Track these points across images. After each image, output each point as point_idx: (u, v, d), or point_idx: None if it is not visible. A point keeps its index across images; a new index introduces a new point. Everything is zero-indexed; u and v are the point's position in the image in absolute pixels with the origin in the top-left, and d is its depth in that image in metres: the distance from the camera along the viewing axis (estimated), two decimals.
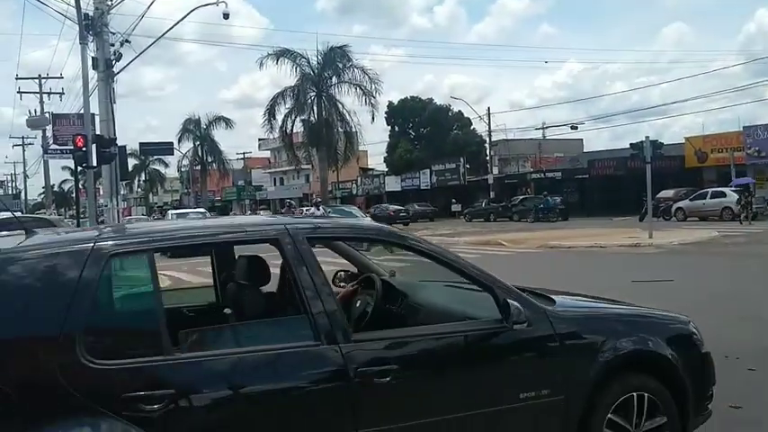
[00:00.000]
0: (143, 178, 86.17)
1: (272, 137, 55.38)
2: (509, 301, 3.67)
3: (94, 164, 16.16)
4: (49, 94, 45.14)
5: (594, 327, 4.05)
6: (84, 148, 15.24)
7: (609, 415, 3.85)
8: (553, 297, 4.22)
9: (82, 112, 20.31)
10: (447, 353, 3.66)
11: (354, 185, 71.25)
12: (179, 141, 62.80)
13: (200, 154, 67.27)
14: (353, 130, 46.18)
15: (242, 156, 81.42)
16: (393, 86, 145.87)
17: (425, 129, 67.50)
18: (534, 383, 3.72)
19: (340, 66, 44.61)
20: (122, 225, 4.11)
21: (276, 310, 4.08)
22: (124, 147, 22.58)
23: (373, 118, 46.71)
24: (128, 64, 21.01)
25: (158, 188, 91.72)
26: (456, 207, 54.82)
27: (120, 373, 3.00)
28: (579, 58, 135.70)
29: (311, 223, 4.07)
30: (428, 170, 60.35)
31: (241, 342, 3.57)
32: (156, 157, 67.79)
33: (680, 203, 35.41)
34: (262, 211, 62.53)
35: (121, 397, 2.93)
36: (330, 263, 4.63)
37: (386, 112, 65.04)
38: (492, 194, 51.73)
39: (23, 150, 60.11)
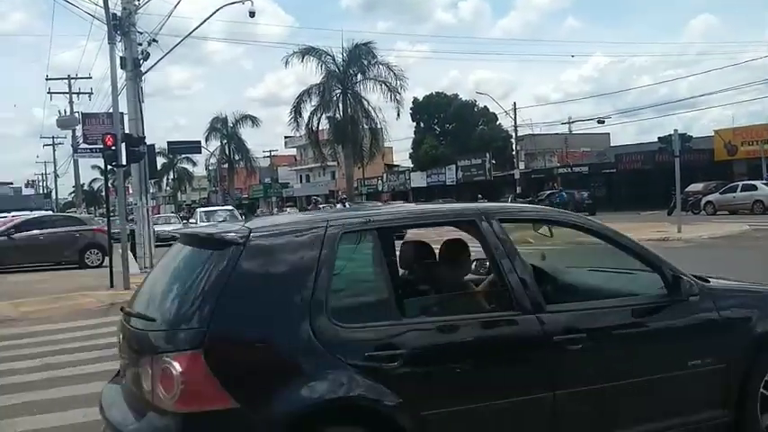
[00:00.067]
0: (171, 177, 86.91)
1: (297, 134, 55.66)
2: (681, 275, 4.15)
3: (124, 162, 16.30)
4: (78, 94, 45.97)
5: (747, 303, 4.49)
6: (113, 147, 15.37)
7: (762, 383, 4.23)
8: (706, 276, 4.59)
9: (111, 111, 20.49)
10: (627, 323, 4.06)
11: (380, 182, 71.25)
12: (206, 140, 63.41)
13: (227, 152, 67.73)
14: (379, 126, 46.28)
15: (268, 153, 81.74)
16: (418, 82, 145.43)
17: (451, 124, 67.33)
18: (700, 352, 4.13)
19: (365, 63, 44.69)
20: (342, 209, 4.53)
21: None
22: (153, 145, 22.82)
23: (398, 114, 46.83)
24: (155, 63, 21.20)
25: (186, 186, 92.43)
26: (482, 202, 54.55)
27: (362, 335, 3.48)
28: (605, 51, 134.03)
29: (501, 207, 4.55)
30: (454, 166, 60.19)
31: (454, 310, 4.01)
32: (183, 155, 68.30)
33: (709, 197, 34.96)
34: (288, 209, 62.74)
35: (364, 355, 3.39)
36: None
37: (411, 109, 64.96)
38: (518, 190, 51.46)
39: (54, 150, 61.09)
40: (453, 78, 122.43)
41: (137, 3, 20.13)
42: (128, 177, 20.29)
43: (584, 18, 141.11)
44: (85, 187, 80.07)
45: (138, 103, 20.43)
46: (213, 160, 72.12)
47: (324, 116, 46.59)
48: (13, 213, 28.11)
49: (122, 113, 19.39)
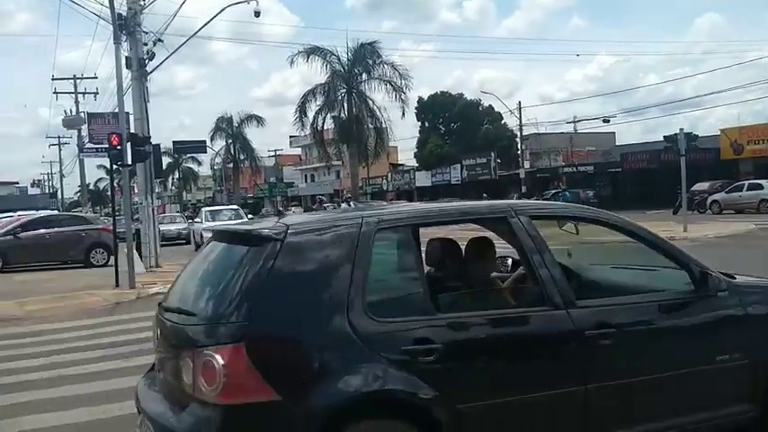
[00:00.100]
0: (176, 176, 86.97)
1: (302, 134, 55.69)
2: (709, 271, 4.19)
3: (129, 162, 16.35)
4: (84, 93, 46.14)
5: None
6: (119, 147, 15.41)
7: None
8: (732, 273, 4.62)
9: (116, 111, 20.57)
10: (656, 318, 4.13)
11: (385, 181, 71.26)
12: (211, 139, 63.41)
13: (232, 152, 67.75)
14: (383, 125, 46.15)
15: (273, 153, 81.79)
16: (423, 82, 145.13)
17: (456, 124, 67.24)
18: (727, 347, 4.16)
19: (370, 62, 44.63)
20: (375, 206, 4.55)
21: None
22: (158, 145, 22.94)
23: (403, 114, 46.67)
24: (161, 63, 21.35)
25: (192, 186, 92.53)
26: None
27: (398, 329, 3.52)
28: (610, 50, 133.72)
29: (531, 204, 4.62)
30: (459, 165, 60.12)
31: (487, 305, 4.07)
32: (189, 155, 68.35)
33: (715, 196, 34.85)
34: (293, 208, 62.75)
35: (400, 349, 3.44)
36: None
37: (416, 108, 64.87)
38: (524, 189, 51.38)
39: (59, 150, 61.18)
40: (458, 78, 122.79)
41: (142, 3, 20.20)
42: (133, 177, 20.37)
43: (590, 17, 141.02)
44: (91, 187, 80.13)
45: (143, 102, 20.50)
46: (218, 160, 72.22)
47: (329, 116, 46.55)
48: (19, 213, 28.16)
49: (128, 113, 19.45)
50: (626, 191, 46.69)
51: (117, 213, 17.81)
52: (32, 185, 73.99)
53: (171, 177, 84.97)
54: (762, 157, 39.03)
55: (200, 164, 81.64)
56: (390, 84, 44.34)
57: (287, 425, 3.29)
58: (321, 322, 3.45)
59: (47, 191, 73.22)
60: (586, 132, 61.03)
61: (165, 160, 50.30)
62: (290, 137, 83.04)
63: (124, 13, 19.31)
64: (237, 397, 3.27)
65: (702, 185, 36.61)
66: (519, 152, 56.95)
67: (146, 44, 20.69)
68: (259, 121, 65.86)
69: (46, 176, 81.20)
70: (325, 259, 3.59)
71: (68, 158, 62.65)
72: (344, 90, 45.17)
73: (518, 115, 54.80)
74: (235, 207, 35.20)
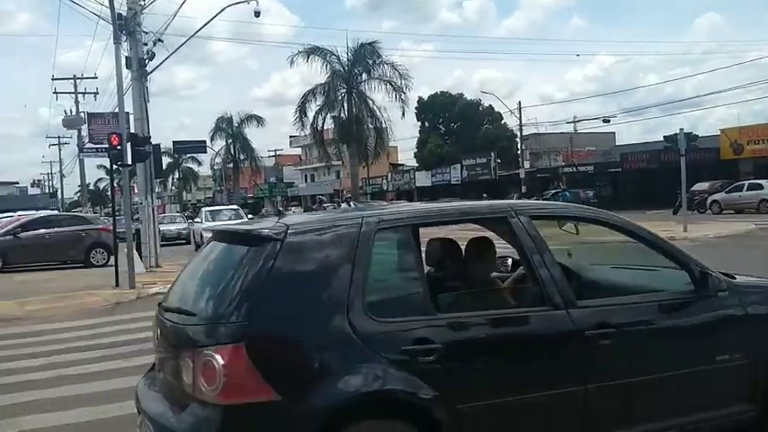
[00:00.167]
0: (177, 176, 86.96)
1: (302, 134, 55.66)
2: (709, 271, 4.19)
3: (129, 162, 16.35)
4: (84, 93, 46.15)
5: None
6: (119, 147, 15.41)
7: None
8: (732, 273, 4.62)
9: (116, 111, 20.57)
10: (656, 318, 4.13)
11: (385, 181, 71.26)
12: (212, 140, 63.42)
13: (232, 152, 67.75)
14: (383, 125, 46.12)
15: (273, 153, 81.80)
16: (423, 82, 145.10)
17: (456, 124, 67.23)
18: (727, 347, 4.16)
19: (370, 62, 44.62)
20: (375, 206, 4.51)
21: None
22: (158, 145, 22.92)
23: (403, 114, 46.65)
24: (161, 63, 21.35)
25: (192, 186, 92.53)
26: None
27: (398, 329, 3.52)
28: (610, 50, 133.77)
29: (531, 204, 4.61)
30: (459, 165, 60.12)
31: (487, 306, 4.07)
32: (189, 155, 68.35)
33: (715, 196, 34.84)
34: (293, 208, 62.73)
35: (400, 349, 3.44)
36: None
37: (416, 108, 64.86)
38: (524, 189, 51.38)
39: (59, 150, 61.20)
40: (458, 78, 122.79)
41: (142, 3, 20.20)
42: (133, 177, 20.37)
43: (590, 17, 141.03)
44: (91, 187, 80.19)
45: (143, 102, 20.50)
46: (218, 160, 72.23)
47: (329, 116, 46.54)
48: (19, 213, 28.16)
49: (128, 113, 19.45)
50: (626, 191, 46.69)
51: (117, 213, 17.81)
52: (32, 185, 74.06)
53: (171, 177, 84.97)
54: (762, 157, 39.02)
55: (200, 164, 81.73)
56: (390, 84, 44.38)
57: (287, 425, 3.29)
58: (321, 322, 3.45)
59: (47, 191, 73.23)
60: (586, 132, 61.05)
61: (165, 160, 50.32)
62: (290, 137, 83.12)
63: (124, 13, 19.31)
64: (237, 397, 3.27)
65: (702, 185, 36.61)
66: (519, 152, 56.95)
67: (146, 44, 20.70)
68: (259, 121, 65.90)
69: (46, 176, 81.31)
70: (326, 259, 3.59)
71: (68, 158, 62.72)
72: (344, 90, 45.15)
73: (518, 115, 54.87)
74: (235, 207, 35.20)
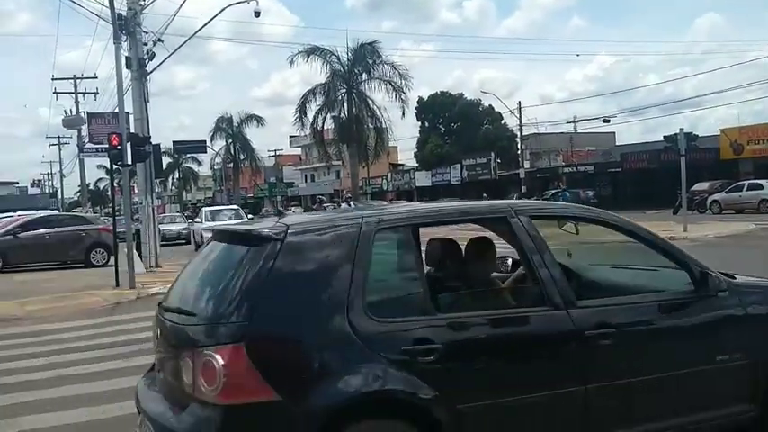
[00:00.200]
0: (177, 176, 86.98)
1: (302, 134, 55.67)
2: (709, 271, 4.20)
3: (129, 162, 16.35)
4: (84, 93, 46.12)
5: None
6: (118, 147, 15.41)
7: None
8: (732, 273, 4.63)
9: (116, 111, 20.58)
10: (656, 318, 4.13)
11: (385, 181, 71.27)
12: (212, 140, 63.40)
13: (232, 152, 67.77)
14: (384, 126, 46.13)
15: (273, 153, 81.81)
16: (423, 82, 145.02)
17: (456, 124, 67.23)
18: (727, 347, 4.17)
19: (370, 62, 44.64)
20: (376, 206, 4.47)
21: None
22: (158, 145, 22.91)
23: (403, 114, 46.70)
24: (161, 63, 21.36)
25: (192, 186, 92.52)
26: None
27: (398, 329, 3.53)
28: (610, 50, 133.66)
29: (532, 204, 4.66)
30: (459, 165, 60.13)
31: (487, 306, 4.08)
32: (189, 155, 68.37)
33: (715, 196, 34.84)
34: (293, 208, 62.70)
35: (400, 349, 3.45)
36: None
37: (416, 108, 64.84)
38: (524, 189, 51.39)
39: (59, 150, 61.12)
40: (458, 78, 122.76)
41: (142, 3, 20.20)
42: (133, 177, 20.38)
43: (590, 17, 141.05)
44: (91, 187, 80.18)
45: (143, 102, 20.50)
46: (218, 160, 72.25)
47: (329, 116, 46.57)
48: (18, 213, 28.17)
49: (128, 113, 19.46)
50: (626, 191, 46.70)
51: (117, 213, 17.82)
52: (32, 185, 74.05)
53: (171, 177, 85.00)
54: (762, 157, 39.02)
55: (200, 164, 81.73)
56: (390, 84, 44.40)
57: (287, 425, 3.29)
58: (321, 322, 3.45)
59: (47, 191, 73.22)
60: (586, 132, 61.06)
61: (165, 160, 50.33)
62: (290, 137, 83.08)
63: (124, 13, 19.32)
64: (237, 397, 3.27)
65: (702, 185, 36.61)
66: (519, 152, 56.95)
67: (146, 44, 20.70)
68: (259, 121, 65.90)
69: (46, 176, 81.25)
70: (326, 259, 3.59)
71: (68, 158, 62.67)
72: (344, 90, 45.17)
73: (518, 115, 54.85)
74: (235, 207, 35.21)
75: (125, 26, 19.27)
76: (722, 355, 4.13)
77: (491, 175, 56.89)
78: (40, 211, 30.17)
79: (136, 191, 24.10)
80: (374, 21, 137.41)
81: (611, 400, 3.89)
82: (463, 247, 4.68)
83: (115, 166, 16.40)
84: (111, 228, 18.18)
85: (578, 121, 60.28)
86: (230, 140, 67.11)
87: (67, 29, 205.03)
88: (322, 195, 64.20)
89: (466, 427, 3.53)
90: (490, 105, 64.52)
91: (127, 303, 13.27)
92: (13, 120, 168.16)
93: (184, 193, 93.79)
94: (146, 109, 20.72)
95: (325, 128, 47.89)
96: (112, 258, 17.37)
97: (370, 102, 45.67)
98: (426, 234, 4.64)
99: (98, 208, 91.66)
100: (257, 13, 22.89)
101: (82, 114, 40.85)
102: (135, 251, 17.50)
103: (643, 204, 39.14)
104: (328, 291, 3.51)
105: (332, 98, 45.35)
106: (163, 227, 29.85)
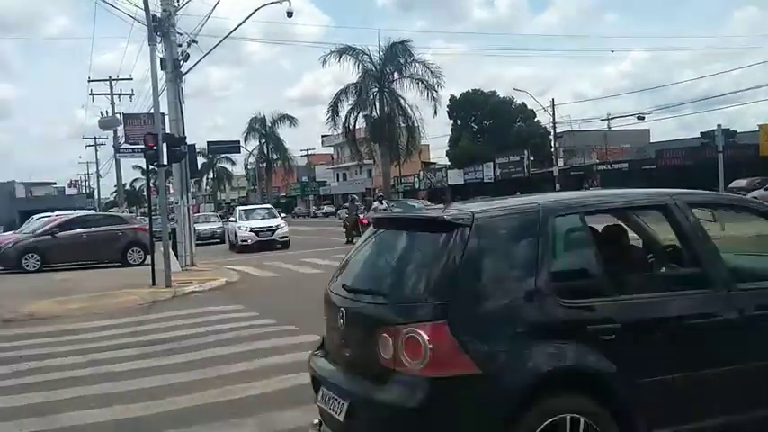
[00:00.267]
0: (211, 176, 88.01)
1: (335, 133, 55.83)
2: None
3: (165, 162, 16.51)
4: (119, 95, 46.64)
5: None
6: (154, 147, 15.59)
7: None
8: None
9: (152, 112, 20.82)
10: None
11: (417, 179, 71.16)
12: (245, 140, 64.15)
13: (265, 152, 68.36)
14: (415, 124, 46.17)
15: (306, 152, 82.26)
16: (455, 80, 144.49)
17: (488, 122, 66.97)
18: None
19: (401, 61, 44.63)
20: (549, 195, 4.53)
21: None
22: (193, 145, 23.12)
23: (435, 112, 46.68)
24: (195, 64, 21.47)
25: (226, 186, 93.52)
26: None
27: (582, 309, 3.75)
28: (645, 45, 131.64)
29: (690, 192, 4.85)
30: (491, 163, 59.82)
31: (658, 288, 4.27)
32: (223, 155, 69.14)
33: (754, 193, 34.18)
34: (326, 207, 63.05)
35: (586, 328, 3.67)
36: None
37: (448, 106, 64.66)
38: (557, 187, 50.91)
39: (96, 151, 62.08)
40: (490, 75, 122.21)
41: (176, 4, 20.36)
42: (169, 177, 20.56)
43: (624, 12, 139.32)
44: (127, 187, 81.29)
45: (178, 103, 20.67)
46: (252, 159, 72.97)
47: (360, 115, 46.74)
48: (56, 212, 28.65)
49: (163, 114, 19.69)
50: (661, 188, 45.96)
51: (153, 213, 18.03)
52: (70, 186, 75.04)
53: (205, 177, 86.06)
54: None
55: (233, 164, 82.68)
56: (422, 82, 44.36)
57: (488, 396, 3.50)
58: (513, 302, 3.66)
59: (84, 191, 74.23)
60: (620, 129, 60.30)
61: (200, 160, 50.88)
62: (323, 136, 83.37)
63: (159, 15, 19.52)
64: (441, 370, 3.49)
65: (740, 182, 35.89)
66: (552, 150, 56.49)
67: (180, 45, 20.85)
68: (291, 120, 66.41)
69: (83, 177, 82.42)
70: (513, 242, 3.81)
71: (105, 159, 64.00)
72: (376, 89, 45.24)
73: (551, 113, 54.30)
74: (268, 206, 35.42)
75: (159, 27, 19.46)
76: None
77: (524, 173, 56.49)
78: (77, 211, 30.64)
79: (171, 191, 24.34)
80: (405, 20, 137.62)
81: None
82: (619, 234, 4.89)
83: (151, 167, 16.59)
84: (148, 227, 18.41)
85: (612, 119, 59.70)
86: (263, 140, 67.68)
87: (103, 31, 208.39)
88: (354, 194, 64.34)
89: (641, 402, 3.72)
90: (523, 103, 64.22)
91: (163, 302, 13.43)
92: (51, 121, 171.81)
93: (218, 193, 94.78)
94: (181, 110, 20.90)
95: (356, 127, 48.08)
96: (149, 257, 17.55)
97: (402, 100, 45.76)
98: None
99: (134, 208, 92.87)
100: (290, 14, 22.97)
101: (118, 115, 41.42)
102: (171, 250, 17.68)
103: None
104: (518, 271, 3.73)
105: (364, 97, 45.49)
106: (198, 226, 30.13)
